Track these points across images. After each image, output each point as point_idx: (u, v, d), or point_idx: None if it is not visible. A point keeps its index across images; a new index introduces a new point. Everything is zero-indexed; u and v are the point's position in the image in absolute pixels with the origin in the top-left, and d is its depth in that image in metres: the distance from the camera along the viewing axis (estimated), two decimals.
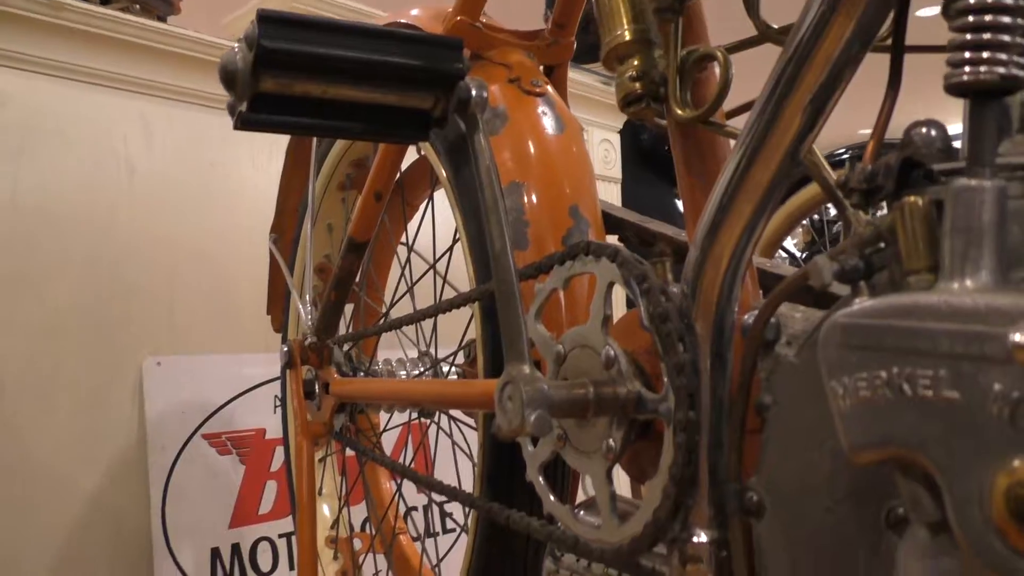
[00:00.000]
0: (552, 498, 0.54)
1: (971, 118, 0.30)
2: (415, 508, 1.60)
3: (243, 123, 0.48)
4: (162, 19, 1.59)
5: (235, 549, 1.45)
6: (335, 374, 0.93)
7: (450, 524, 1.67)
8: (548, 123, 0.72)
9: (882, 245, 0.33)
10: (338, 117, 0.50)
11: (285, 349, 0.95)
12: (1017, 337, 0.24)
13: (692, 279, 0.45)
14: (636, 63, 0.51)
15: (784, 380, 0.40)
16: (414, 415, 1.07)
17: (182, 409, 1.45)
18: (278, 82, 0.46)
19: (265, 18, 0.44)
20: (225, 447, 1.48)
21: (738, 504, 0.43)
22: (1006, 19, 0.28)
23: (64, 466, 1.34)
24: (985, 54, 0.28)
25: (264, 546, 1.49)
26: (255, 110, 0.47)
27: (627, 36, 0.51)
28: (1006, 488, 0.26)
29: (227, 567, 1.43)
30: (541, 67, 0.79)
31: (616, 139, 2.25)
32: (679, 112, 0.49)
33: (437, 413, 1.02)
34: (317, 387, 0.95)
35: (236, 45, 0.46)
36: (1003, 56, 0.28)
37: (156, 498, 1.39)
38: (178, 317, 1.48)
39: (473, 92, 0.54)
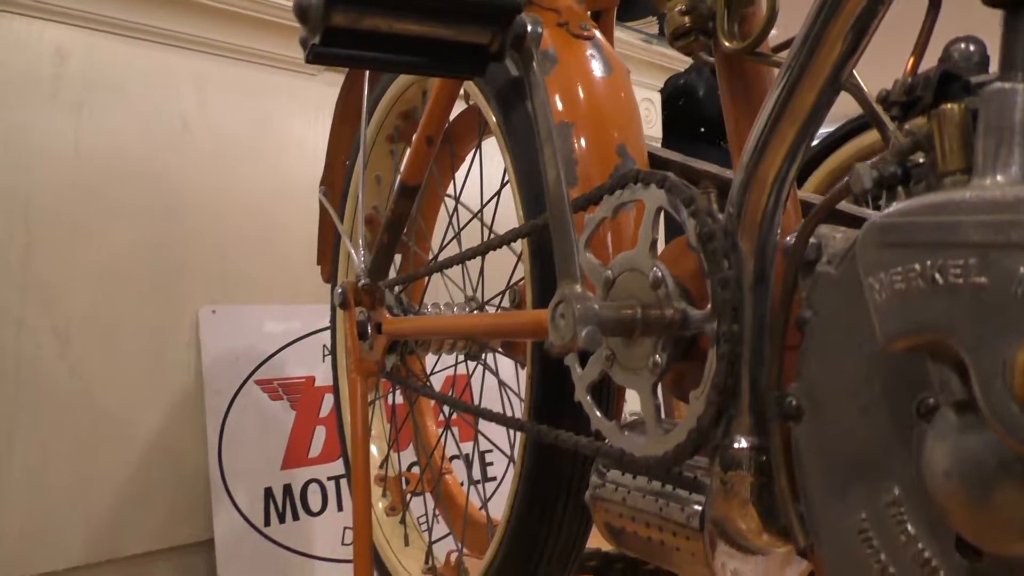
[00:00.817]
0: (599, 415, 0.58)
1: (1005, 26, 0.32)
2: (458, 456, 1.66)
3: (315, 56, 0.51)
4: None
5: (287, 490, 1.52)
6: (386, 315, 0.97)
7: (491, 472, 1.72)
8: (596, 66, 0.74)
9: (920, 156, 0.35)
10: (403, 51, 0.53)
11: (340, 290, 0.99)
12: None
13: (737, 201, 0.47)
14: None
15: (823, 293, 0.43)
16: (459, 358, 1.11)
17: (235, 356, 1.51)
18: (348, 16, 0.49)
19: None
20: (276, 393, 1.55)
21: (778, 410, 0.46)
22: None
23: (127, 408, 1.41)
24: None
25: (314, 487, 1.55)
26: (326, 44, 0.50)
27: None
28: None
29: (279, 506, 1.50)
30: (588, 12, 0.81)
31: (657, 98, 2.25)
32: (727, 44, 0.52)
33: (483, 355, 1.06)
34: (369, 327, 0.99)
35: None
36: None
37: (213, 440, 1.46)
38: (232, 268, 1.54)
39: (528, 27, 0.57)
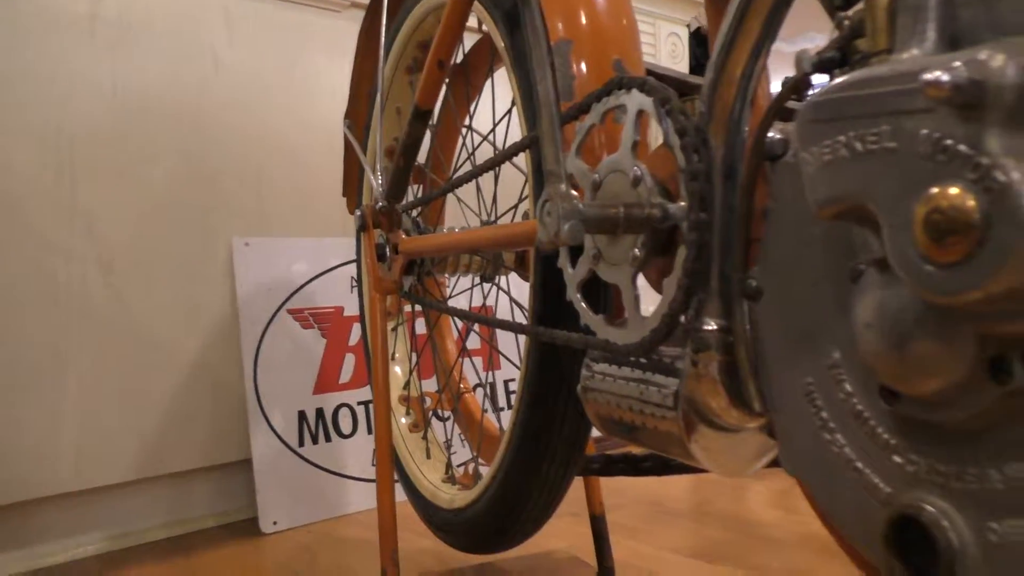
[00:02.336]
0: (587, 308, 0.62)
1: None
2: (479, 385, 1.72)
3: None
4: None
5: (319, 413, 1.60)
6: (403, 236, 1.02)
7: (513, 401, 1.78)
8: None
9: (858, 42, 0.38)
10: None
11: (359, 213, 1.04)
12: (927, 76, 0.30)
13: (707, 99, 0.51)
14: None
15: (782, 182, 0.47)
16: (476, 280, 1.16)
17: (268, 286, 1.58)
18: None
19: None
20: (308, 322, 1.62)
21: (740, 291, 0.50)
22: None
23: (169, 336, 1.49)
24: None
25: (344, 412, 1.63)
26: None
27: None
28: (925, 215, 0.32)
29: (312, 428, 1.59)
30: None
31: (684, 32, 2.23)
32: None
33: (497, 277, 1.11)
34: (388, 249, 1.05)
35: None
36: None
37: (248, 365, 1.54)
38: (263, 202, 1.61)
39: None
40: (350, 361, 1.66)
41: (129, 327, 1.45)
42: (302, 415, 1.59)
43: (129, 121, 1.45)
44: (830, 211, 0.38)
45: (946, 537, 0.37)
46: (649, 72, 0.78)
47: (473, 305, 1.39)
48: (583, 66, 0.73)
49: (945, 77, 0.30)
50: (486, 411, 1.24)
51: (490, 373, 1.63)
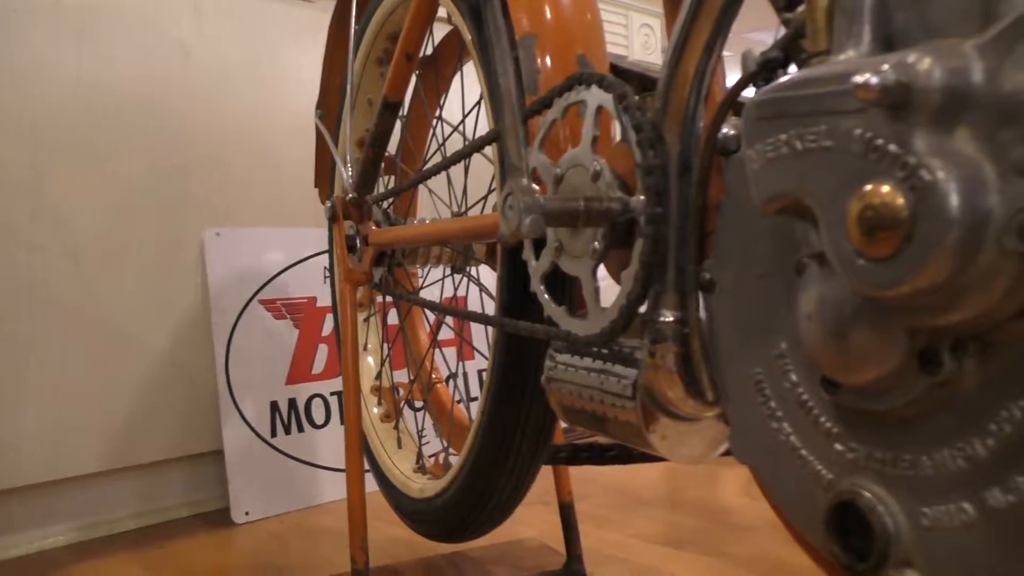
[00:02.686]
0: (549, 299, 0.63)
1: None
2: (453, 375, 1.73)
3: None
4: None
5: (292, 403, 1.61)
6: (373, 227, 1.03)
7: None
8: None
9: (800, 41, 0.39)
10: None
11: (329, 204, 1.04)
12: (856, 79, 0.31)
13: (663, 95, 0.52)
14: None
15: (734, 176, 0.48)
16: (447, 271, 1.17)
17: (240, 277, 1.58)
18: None
19: None
20: (280, 312, 1.62)
21: (695, 283, 0.51)
22: None
23: (137, 326, 1.48)
24: None
25: (318, 402, 1.64)
26: None
27: None
28: (858, 211, 0.34)
29: (285, 419, 1.59)
30: None
31: (657, 23, 2.25)
32: None
33: (467, 267, 1.12)
34: (358, 240, 1.05)
35: None
36: None
37: (220, 356, 1.54)
38: (234, 192, 1.60)
39: None
40: (323, 351, 1.66)
41: (98, 319, 1.44)
42: (274, 406, 1.59)
43: (96, 111, 1.44)
44: (773, 207, 0.39)
45: (881, 522, 0.38)
46: (613, 66, 0.78)
47: (446, 295, 1.40)
48: (547, 60, 0.74)
49: (874, 80, 0.31)
50: (459, 400, 1.25)
51: (462, 363, 1.64)
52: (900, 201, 0.32)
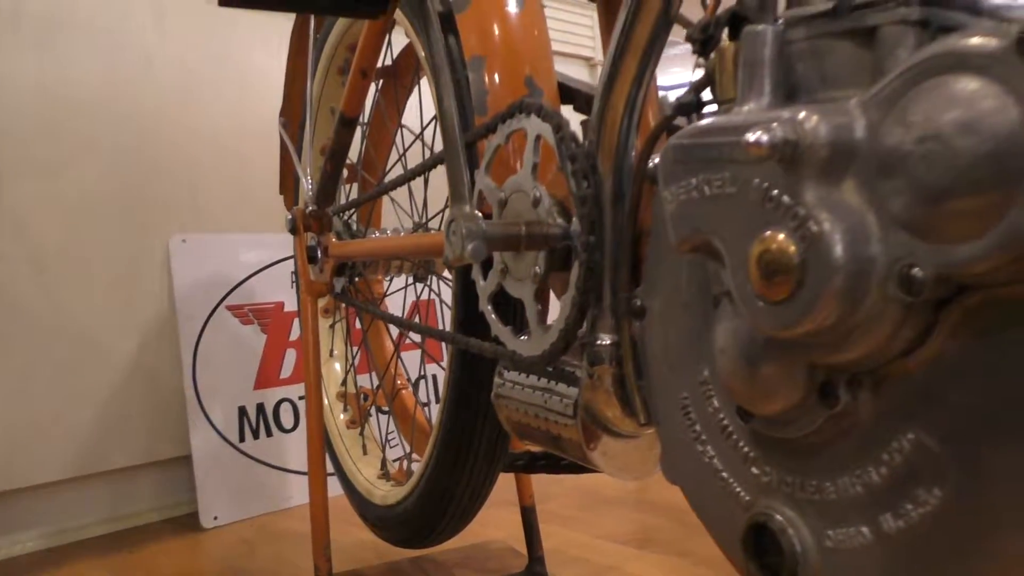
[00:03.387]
0: (496, 319, 0.65)
1: None
2: (422, 377, 1.75)
3: (225, 1, 0.57)
4: None
5: (260, 408, 1.61)
6: (333, 239, 1.04)
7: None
8: (510, 2, 0.79)
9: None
10: None
11: (289, 216, 1.05)
12: (748, 136, 0.33)
13: (595, 127, 0.54)
14: None
15: (658, 207, 0.50)
16: (409, 280, 1.18)
17: (207, 283, 1.58)
18: None
19: None
20: (247, 318, 1.62)
21: (626, 309, 0.53)
22: None
23: (103, 333, 1.48)
24: None
25: (286, 406, 1.65)
26: None
27: None
28: (758, 256, 0.36)
29: (253, 424, 1.60)
30: None
31: (594, 16, 2.26)
32: None
33: (429, 277, 1.13)
34: (319, 252, 1.06)
35: None
36: None
37: (187, 362, 1.54)
38: (200, 198, 1.60)
39: None
40: (291, 356, 1.67)
41: (63, 326, 1.44)
42: (242, 411, 1.60)
43: (58, 118, 1.44)
44: (686, 246, 0.41)
45: (790, 543, 0.40)
46: (561, 85, 0.80)
47: (412, 299, 1.41)
48: (497, 82, 0.75)
49: (764, 138, 0.33)
50: (425, 404, 1.27)
51: (422, 369, 1.65)
52: (792, 249, 0.34)
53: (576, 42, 2.28)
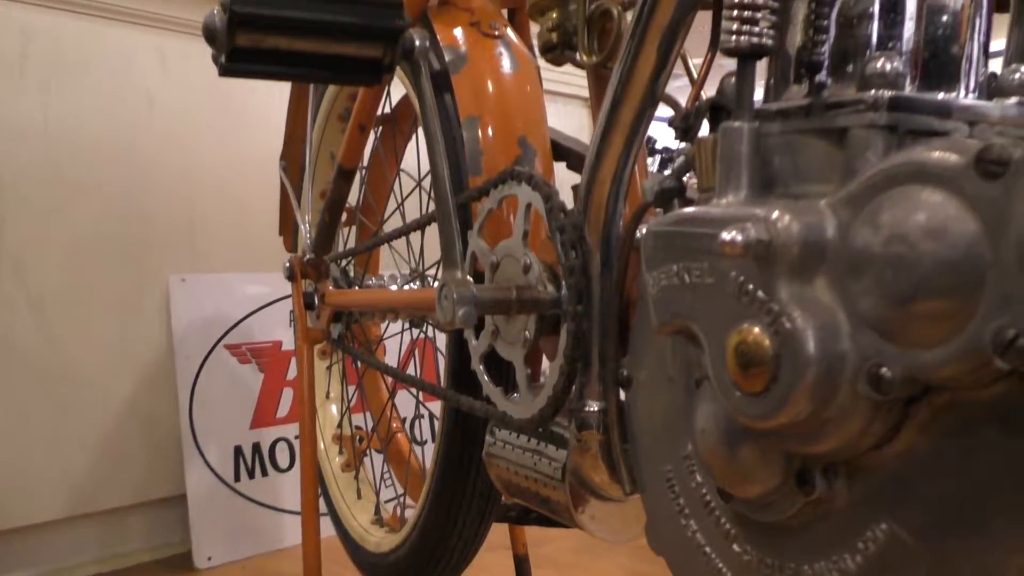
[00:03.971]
0: (488, 381, 0.66)
1: (738, 75, 0.39)
2: (419, 416, 1.75)
3: (224, 71, 0.58)
4: None
5: (256, 448, 1.62)
6: (330, 287, 1.05)
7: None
8: (504, 63, 0.81)
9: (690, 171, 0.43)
10: (305, 65, 0.60)
11: (287, 264, 1.06)
12: (723, 236, 0.34)
13: (583, 198, 0.55)
14: (554, 16, 0.60)
15: (642, 280, 0.51)
16: (406, 325, 1.19)
17: (205, 322, 1.59)
18: (251, 38, 0.56)
19: None
20: (245, 357, 1.63)
21: (614, 379, 0.54)
22: (758, 1, 0.37)
23: (101, 374, 1.49)
24: (744, 26, 0.38)
25: (282, 445, 1.65)
26: (233, 60, 0.57)
27: None
28: (735, 345, 0.37)
29: (249, 463, 1.60)
30: (504, 11, 0.87)
31: None
32: (585, 58, 0.59)
33: (424, 323, 1.14)
34: (316, 299, 1.07)
35: (215, 8, 0.56)
36: (756, 28, 0.37)
37: (184, 402, 1.55)
38: (199, 238, 1.61)
39: (417, 43, 0.63)
40: (288, 395, 1.67)
41: (60, 367, 1.44)
42: (238, 450, 1.60)
43: (61, 160, 1.46)
44: (667, 330, 0.42)
45: None
46: (554, 143, 0.82)
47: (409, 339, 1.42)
48: (491, 142, 0.77)
49: (739, 237, 0.34)
50: (424, 443, 1.27)
51: (418, 410, 1.65)
52: (767, 343, 0.35)
53: (575, 83, 2.31)
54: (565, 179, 0.79)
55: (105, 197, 1.50)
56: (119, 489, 1.50)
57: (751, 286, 0.36)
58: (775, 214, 0.34)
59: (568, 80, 2.36)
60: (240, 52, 0.57)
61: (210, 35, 0.55)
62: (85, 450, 1.47)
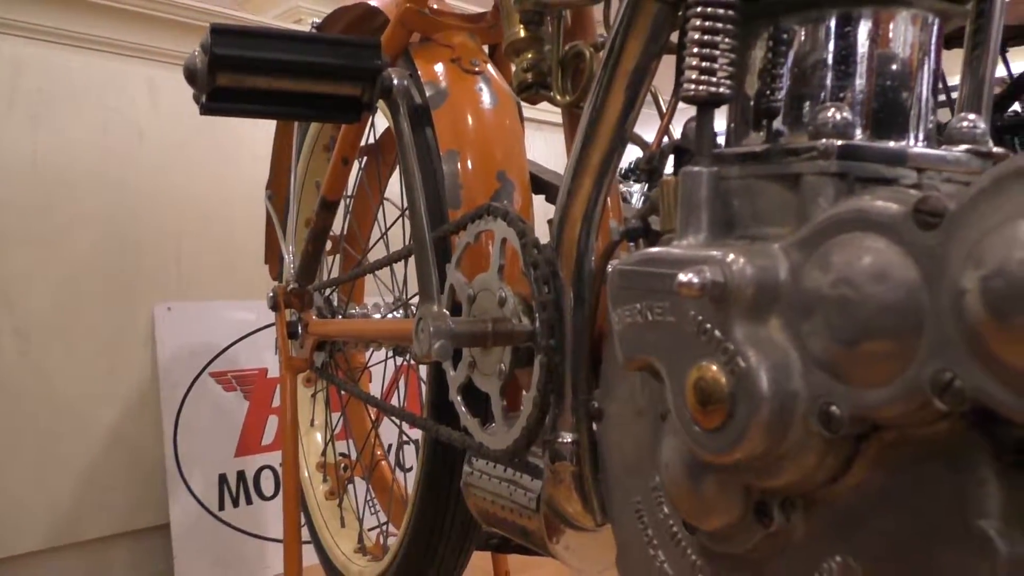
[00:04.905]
0: (465, 412, 0.67)
1: (697, 121, 0.41)
2: (406, 443, 1.75)
3: (205, 110, 0.60)
4: None
5: (240, 476, 1.61)
6: (314, 316, 1.06)
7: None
8: (484, 98, 0.83)
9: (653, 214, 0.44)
10: (284, 104, 0.61)
11: (271, 295, 1.07)
12: (680, 277, 0.35)
13: (556, 235, 0.56)
14: (529, 56, 0.62)
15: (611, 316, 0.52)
16: (389, 353, 1.20)
17: (190, 350, 1.59)
18: (231, 78, 0.57)
19: (216, 30, 0.56)
20: (230, 384, 1.63)
21: (585, 411, 0.55)
22: (716, 51, 0.39)
23: (86, 403, 1.49)
24: (703, 76, 0.39)
25: (267, 473, 1.64)
26: (214, 100, 0.59)
27: (521, 33, 0.62)
28: (694, 382, 0.38)
29: (233, 491, 1.59)
30: (486, 47, 0.90)
31: None
32: (559, 98, 0.60)
33: (408, 352, 1.15)
34: (300, 328, 1.08)
35: (196, 50, 0.57)
36: (713, 79, 0.39)
37: (168, 430, 1.54)
38: (185, 267, 1.62)
39: (395, 82, 0.65)
40: (273, 423, 1.67)
41: (46, 397, 1.44)
42: (223, 478, 1.59)
43: (49, 191, 1.46)
44: (632, 366, 0.43)
45: None
46: (533, 176, 0.84)
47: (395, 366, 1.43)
48: (470, 175, 0.78)
49: (695, 280, 0.35)
50: (409, 469, 1.27)
51: (400, 438, 1.65)
52: (723, 381, 0.36)
53: (556, 109, 2.33)
54: (545, 212, 0.81)
55: (93, 228, 1.51)
56: (103, 519, 1.49)
57: (708, 325, 0.37)
58: (730, 257, 0.36)
59: (555, 109, 2.39)
60: (221, 91, 0.58)
61: (191, 76, 0.57)
62: (69, 479, 1.46)
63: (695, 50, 0.39)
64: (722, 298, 0.36)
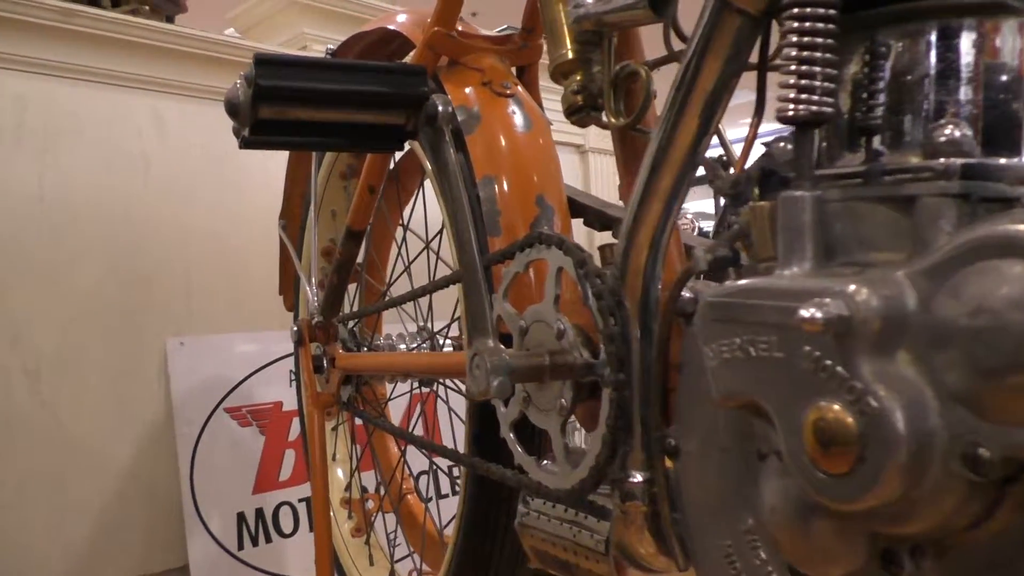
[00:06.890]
0: (520, 450, 0.64)
1: (795, 143, 0.38)
2: (425, 472, 1.71)
3: (246, 144, 0.57)
4: (170, 19, 1.68)
5: (259, 513, 1.57)
6: (340, 349, 1.03)
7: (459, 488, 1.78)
8: (517, 121, 0.80)
9: (743, 240, 0.42)
10: (327, 135, 0.59)
11: (295, 328, 1.04)
12: (803, 312, 0.33)
13: (620, 263, 0.54)
14: (578, 78, 0.60)
15: (690, 345, 0.49)
16: (415, 384, 1.17)
17: (204, 385, 1.56)
18: (274, 110, 0.55)
19: (260, 60, 0.53)
20: (246, 419, 1.60)
21: (660, 448, 0.52)
22: (816, 68, 0.37)
23: (98, 441, 1.45)
24: (803, 95, 0.37)
25: (285, 510, 1.60)
26: (256, 133, 0.56)
27: (569, 55, 0.60)
28: (813, 422, 0.35)
29: (252, 530, 1.55)
30: (513, 69, 0.87)
31: None
32: (612, 120, 0.58)
33: (435, 383, 1.12)
34: (325, 362, 1.05)
35: (238, 82, 0.55)
36: (814, 97, 0.37)
37: (184, 468, 1.50)
38: (197, 300, 1.59)
39: (440, 109, 0.63)
40: (290, 457, 1.63)
41: (58, 436, 1.40)
42: (241, 516, 1.55)
43: (57, 225, 1.43)
44: (730, 403, 0.40)
45: None
46: (571, 200, 0.81)
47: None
48: (508, 202, 0.76)
49: (819, 315, 0.33)
50: (427, 499, 1.23)
51: (433, 465, 1.62)
52: (850, 421, 0.34)
53: (567, 130, 2.32)
54: (579, 235, 0.78)
55: (102, 262, 1.48)
56: (120, 562, 1.45)
57: (828, 362, 0.35)
58: (852, 288, 0.33)
59: (558, 127, 2.37)
60: (263, 124, 0.56)
61: (232, 109, 0.54)
62: (83, 522, 1.42)
63: (792, 67, 0.37)
64: (846, 333, 0.33)
